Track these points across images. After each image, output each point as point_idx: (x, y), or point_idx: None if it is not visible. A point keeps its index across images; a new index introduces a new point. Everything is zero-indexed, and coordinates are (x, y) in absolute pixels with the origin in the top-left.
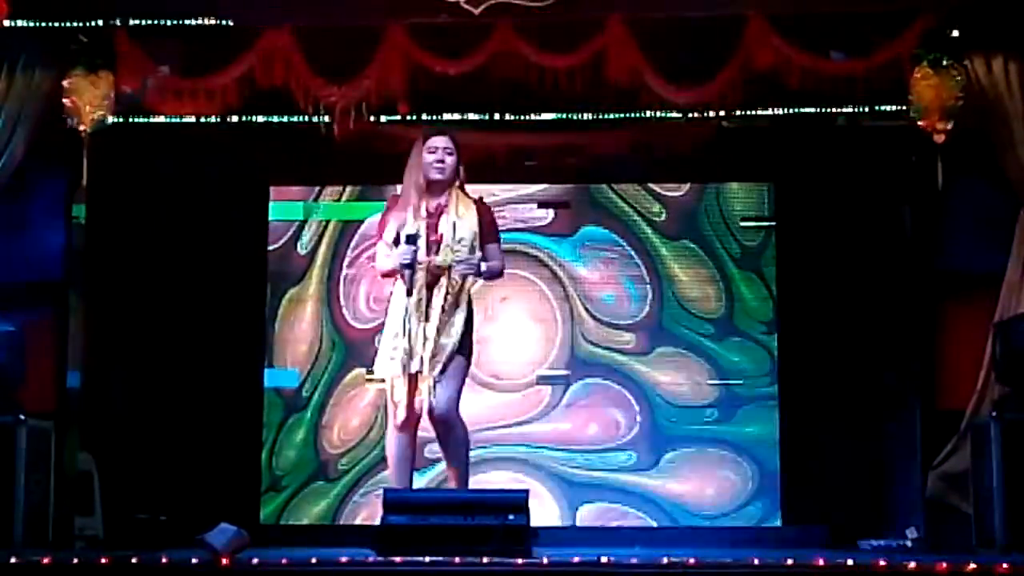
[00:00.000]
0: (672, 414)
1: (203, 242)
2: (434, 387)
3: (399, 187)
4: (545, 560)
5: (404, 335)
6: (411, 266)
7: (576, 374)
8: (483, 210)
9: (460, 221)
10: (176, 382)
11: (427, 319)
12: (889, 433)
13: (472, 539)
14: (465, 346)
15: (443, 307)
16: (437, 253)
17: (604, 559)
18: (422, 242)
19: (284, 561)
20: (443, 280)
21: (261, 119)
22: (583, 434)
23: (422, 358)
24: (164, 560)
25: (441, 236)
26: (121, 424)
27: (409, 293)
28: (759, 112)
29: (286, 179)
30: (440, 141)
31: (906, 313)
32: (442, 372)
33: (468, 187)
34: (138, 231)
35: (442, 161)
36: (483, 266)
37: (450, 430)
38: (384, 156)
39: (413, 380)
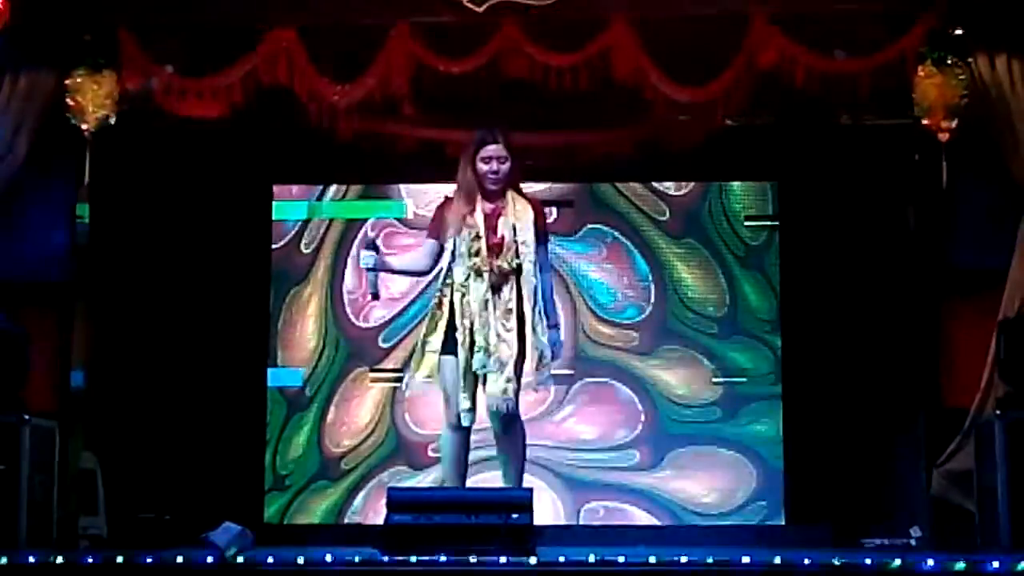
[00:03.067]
0: (676, 413)
1: (207, 241)
2: (505, 388)
3: (403, 187)
4: (548, 559)
5: (467, 335)
6: (373, 270)
7: (579, 373)
8: (538, 209)
9: (519, 222)
10: (180, 381)
11: (497, 319)
12: (893, 431)
13: (476, 538)
14: (529, 348)
15: (508, 308)
16: (498, 256)
17: (607, 558)
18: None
19: (287, 560)
20: (510, 281)
21: (264, 118)
22: (587, 433)
23: (487, 359)
24: (168, 560)
25: (502, 238)
26: (125, 424)
27: (375, 297)
28: (763, 111)
29: (289, 178)
30: (493, 150)
31: (910, 312)
32: (508, 372)
33: None
34: (142, 231)
35: (496, 172)
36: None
37: (512, 430)
38: (387, 156)
39: (476, 380)
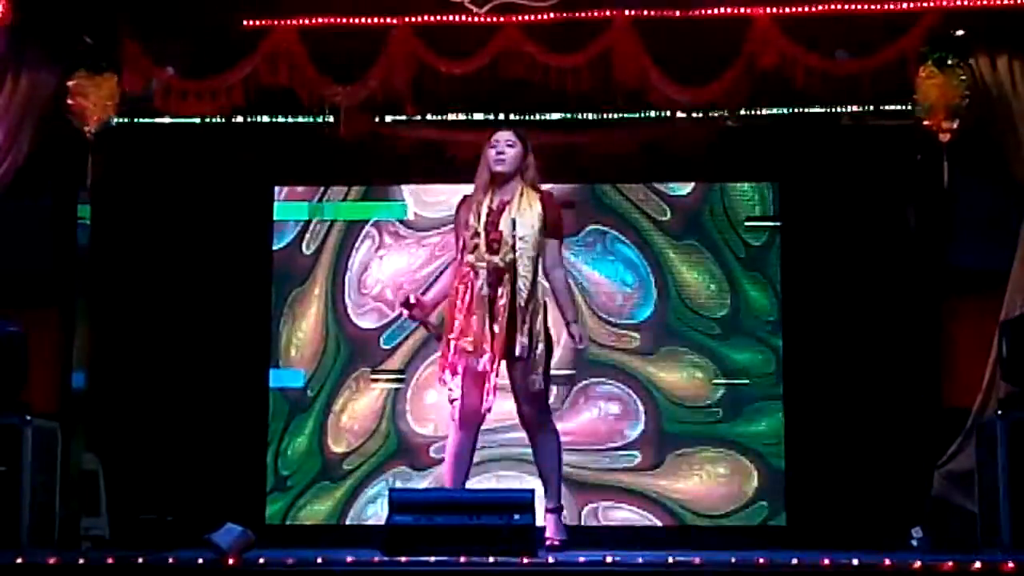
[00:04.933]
0: (677, 414)
1: (208, 242)
2: (531, 388)
3: (404, 187)
4: (551, 560)
5: (469, 334)
6: (418, 320)
7: (581, 374)
8: (548, 203)
9: (521, 217)
10: (181, 382)
11: (493, 318)
12: (894, 432)
13: (478, 539)
14: (542, 347)
15: (509, 305)
16: (496, 252)
17: (609, 559)
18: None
19: (290, 561)
20: (507, 278)
21: (266, 119)
22: (588, 434)
23: (489, 357)
24: (170, 560)
25: (500, 234)
26: (127, 424)
27: (433, 329)
28: (764, 111)
29: (291, 179)
30: (502, 135)
31: (911, 312)
32: (515, 370)
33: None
34: (143, 232)
35: (502, 153)
36: (575, 331)
37: (543, 432)
38: (389, 156)
39: (479, 379)
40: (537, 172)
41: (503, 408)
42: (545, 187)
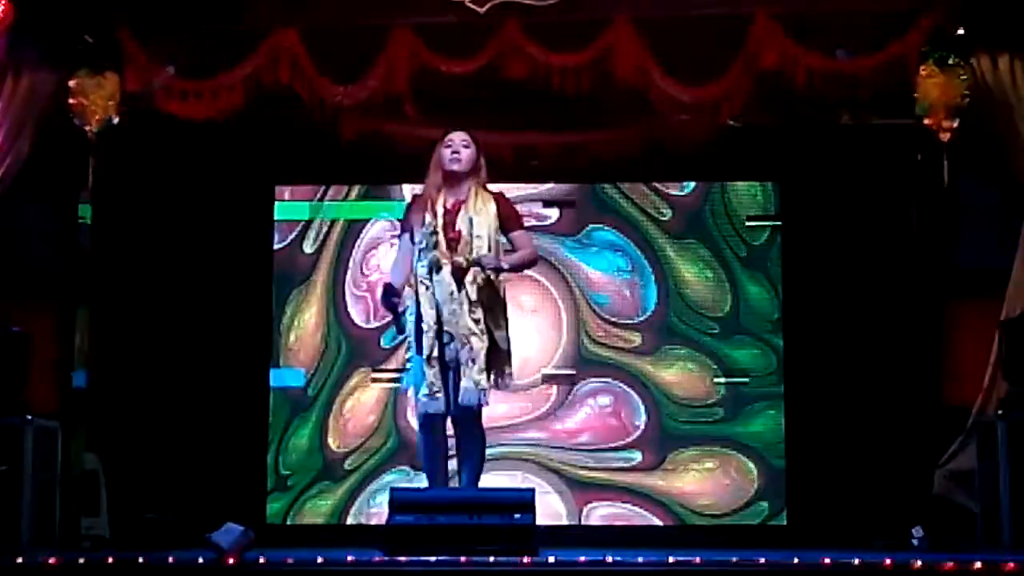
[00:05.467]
0: (678, 413)
1: (209, 242)
2: (478, 380)
3: (405, 187)
4: (551, 559)
5: (434, 331)
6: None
7: (582, 373)
8: (502, 202)
9: (477, 217)
10: (182, 382)
11: (463, 310)
12: (895, 431)
13: (478, 538)
14: (500, 341)
15: (472, 302)
16: (456, 251)
17: (610, 559)
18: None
19: (290, 561)
20: (469, 276)
21: (267, 119)
22: (589, 433)
23: (459, 349)
24: (170, 560)
25: (459, 233)
26: (127, 424)
27: (401, 331)
28: (765, 111)
29: (292, 179)
30: (457, 135)
31: (912, 312)
32: (474, 368)
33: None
34: (144, 231)
35: (457, 152)
36: (505, 263)
37: (472, 427)
38: (390, 156)
39: (444, 376)
40: (486, 174)
41: (503, 408)
42: (544, 187)
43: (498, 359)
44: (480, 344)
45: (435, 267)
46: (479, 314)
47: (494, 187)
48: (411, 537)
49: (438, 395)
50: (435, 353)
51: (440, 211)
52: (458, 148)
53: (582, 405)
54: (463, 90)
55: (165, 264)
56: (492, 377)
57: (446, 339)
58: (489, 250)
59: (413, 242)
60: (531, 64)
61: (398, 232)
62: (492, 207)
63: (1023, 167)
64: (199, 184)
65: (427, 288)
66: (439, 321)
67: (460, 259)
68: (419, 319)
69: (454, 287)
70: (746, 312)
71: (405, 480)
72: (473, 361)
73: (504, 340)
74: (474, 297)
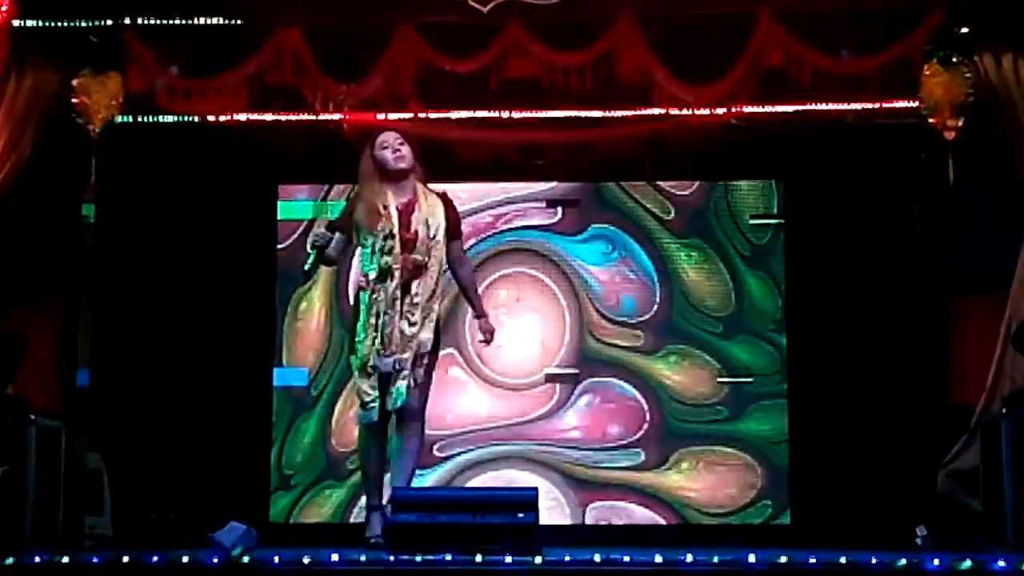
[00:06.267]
0: (681, 412)
1: (212, 241)
2: (413, 384)
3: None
4: (554, 559)
5: (378, 331)
6: (316, 248)
7: (585, 372)
8: (449, 205)
9: (432, 217)
10: (185, 381)
11: (403, 316)
12: (899, 430)
13: (481, 538)
14: (437, 343)
15: (421, 304)
16: (412, 251)
17: (613, 557)
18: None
19: (293, 560)
20: (420, 276)
21: (270, 118)
22: (592, 432)
23: (399, 354)
24: (174, 559)
25: (416, 233)
26: (130, 423)
27: (308, 276)
28: (768, 109)
29: (295, 178)
30: (390, 135)
31: (916, 310)
32: (417, 368)
33: (480, 185)
34: (147, 230)
35: (399, 151)
36: (485, 310)
37: (415, 427)
38: None
39: (387, 376)
40: (423, 171)
41: (503, 409)
42: (547, 186)
43: (433, 363)
44: (415, 348)
45: (386, 274)
46: (417, 316)
47: (489, 185)
48: (414, 536)
49: (372, 406)
50: (371, 362)
51: (394, 212)
52: (398, 147)
53: (585, 404)
54: (466, 89)
55: (168, 263)
56: (416, 376)
57: (380, 346)
58: (444, 249)
59: (352, 242)
60: (535, 63)
61: (321, 228)
62: (441, 208)
63: None
64: (202, 184)
65: (373, 294)
66: (378, 329)
67: (417, 256)
68: (365, 324)
69: (399, 293)
70: (750, 311)
71: None
72: (405, 366)
73: (431, 342)
74: (417, 301)
